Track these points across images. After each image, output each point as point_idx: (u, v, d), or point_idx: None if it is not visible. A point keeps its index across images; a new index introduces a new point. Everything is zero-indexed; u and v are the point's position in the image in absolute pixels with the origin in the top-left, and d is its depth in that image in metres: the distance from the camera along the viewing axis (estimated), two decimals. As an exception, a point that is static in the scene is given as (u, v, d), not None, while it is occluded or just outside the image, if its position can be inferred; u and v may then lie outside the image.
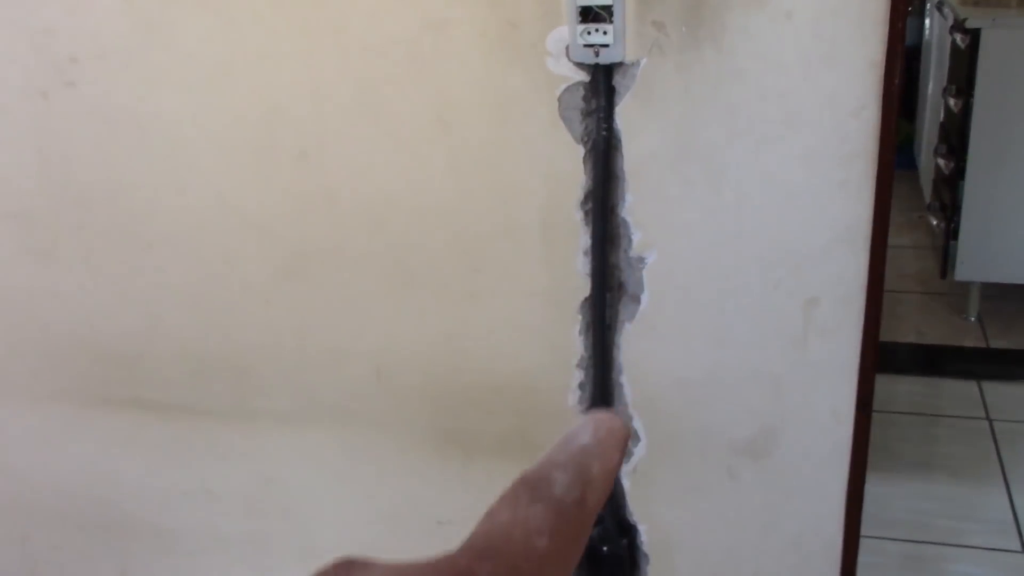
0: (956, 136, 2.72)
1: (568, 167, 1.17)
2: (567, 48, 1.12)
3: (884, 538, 1.97)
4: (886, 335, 2.64)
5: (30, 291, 1.43)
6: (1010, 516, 2.02)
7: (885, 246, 1.13)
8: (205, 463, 1.49)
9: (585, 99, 1.14)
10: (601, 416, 0.48)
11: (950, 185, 2.76)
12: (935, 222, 2.90)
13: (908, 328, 2.82)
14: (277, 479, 1.47)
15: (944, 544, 1.97)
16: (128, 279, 1.38)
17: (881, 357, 1.21)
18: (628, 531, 1.33)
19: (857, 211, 1.11)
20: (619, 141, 1.14)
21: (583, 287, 1.21)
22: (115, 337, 1.42)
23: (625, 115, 1.13)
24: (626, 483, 1.31)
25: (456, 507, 1.38)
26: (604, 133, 1.13)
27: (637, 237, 1.18)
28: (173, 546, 1.57)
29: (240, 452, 1.46)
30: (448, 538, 1.47)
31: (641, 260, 1.19)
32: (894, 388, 2.51)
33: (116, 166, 1.32)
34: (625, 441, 0.53)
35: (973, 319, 2.87)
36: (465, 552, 0.45)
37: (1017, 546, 1.93)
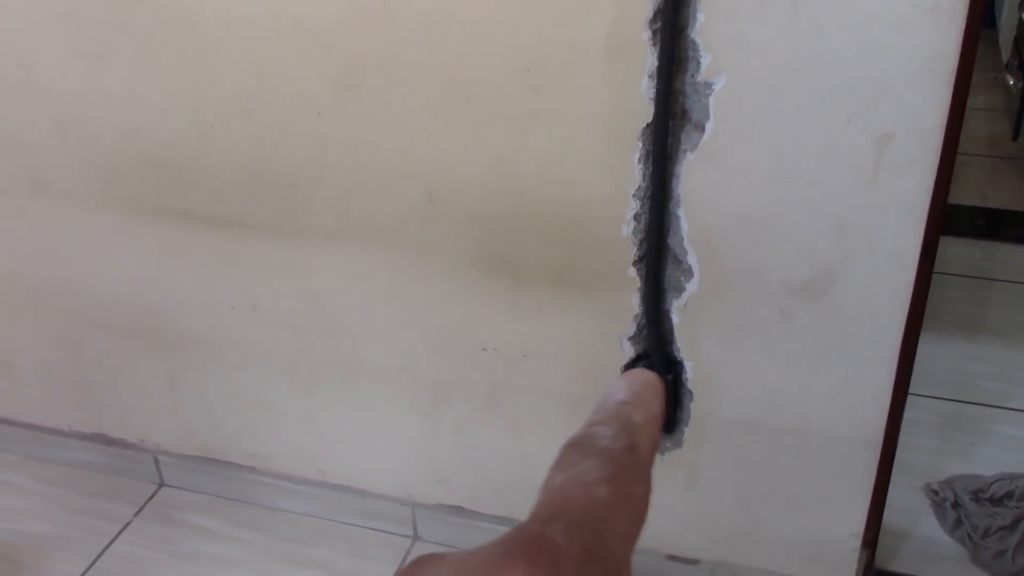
0: (1045, -12, 2.56)
1: (638, -18, 1.10)
2: None
3: (926, 396, 1.95)
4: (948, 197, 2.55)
5: (81, 95, 1.41)
6: (1058, 382, 1.99)
7: (970, 80, 1.06)
8: (252, 279, 1.49)
9: (662, -94, 1.06)
10: (632, 373, 0.52)
11: (1032, 42, 2.62)
12: (1012, 81, 2.76)
13: (972, 190, 2.73)
14: (323, 298, 1.47)
15: (986, 405, 1.95)
16: (178, 86, 1.35)
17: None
18: (674, 367, 1.32)
19: (946, 41, 1.04)
20: (695, -46, 1.07)
21: (646, 112, 1.16)
22: (165, 146, 1.40)
23: (704, -75, 1.06)
24: (675, 319, 1.30)
25: (502, 334, 1.38)
26: (680, -56, 1.06)
27: (706, 61, 1.12)
28: (220, 358, 1.59)
29: (287, 269, 1.46)
30: (492, 364, 1.47)
31: (708, 86, 1.13)
32: (951, 250, 2.44)
33: (166, -35, 1.27)
34: (661, 391, 0.56)
35: (1041, 185, 2.77)
36: (532, 522, 0.45)
37: (1062, 411, 1.91)
